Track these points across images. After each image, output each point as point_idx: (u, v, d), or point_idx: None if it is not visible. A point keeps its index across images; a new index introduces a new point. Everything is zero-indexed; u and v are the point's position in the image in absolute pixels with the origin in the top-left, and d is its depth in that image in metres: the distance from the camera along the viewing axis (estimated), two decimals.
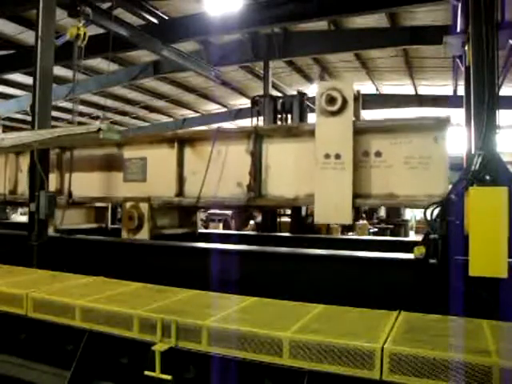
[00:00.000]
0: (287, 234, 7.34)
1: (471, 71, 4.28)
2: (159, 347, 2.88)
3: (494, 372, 2.23)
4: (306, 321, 2.94)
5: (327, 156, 4.97)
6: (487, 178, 3.97)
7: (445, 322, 2.96)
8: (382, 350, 2.43)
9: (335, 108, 4.93)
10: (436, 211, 4.20)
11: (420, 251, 4.26)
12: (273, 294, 3.69)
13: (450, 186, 4.36)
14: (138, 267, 5.33)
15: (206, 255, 5.26)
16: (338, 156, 4.94)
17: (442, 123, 4.84)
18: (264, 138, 5.71)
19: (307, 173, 5.22)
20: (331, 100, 4.95)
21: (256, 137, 5.66)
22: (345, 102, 5.00)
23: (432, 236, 4.13)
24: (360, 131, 5.13)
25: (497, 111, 4.16)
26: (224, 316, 3.03)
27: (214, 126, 21.10)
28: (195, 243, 6.37)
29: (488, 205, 3.87)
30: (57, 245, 6.04)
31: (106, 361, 3.27)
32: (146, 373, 2.86)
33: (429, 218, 4.20)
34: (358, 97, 5.43)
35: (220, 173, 5.84)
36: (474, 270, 3.84)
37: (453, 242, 4.03)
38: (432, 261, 4.09)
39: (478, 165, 4.03)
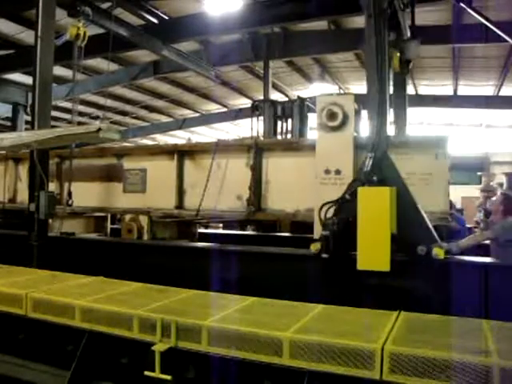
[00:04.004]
0: (287, 234, 7.35)
1: (366, 80, 4.63)
2: (159, 347, 2.88)
3: (494, 372, 2.22)
4: (305, 321, 2.94)
5: (327, 171, 4.96)
6: (374, 178, 4.25)
7: (445, 322, 2.96)
8: (382, 350, 2.43)
9: (336, 123, 4.92)
10: (331, 210, 4.47)
11: (315, 247, 4.50)
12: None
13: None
14: (138, 267, 5.32)
15: (205, 255, 5.27)
16: (338, 172, 4.93)
17: (442, 140, 4.88)
18: (264, 152, 5.72)
19: (308, 187, 5.21)
20: (332, 115, 4.94)
21: (256, 150, 5.67)
22: (346, 117, 4.99)
23: (324, 233, 4.34)
24: (361, 146, 5.14)
25: (387, 117, 4.44)
26: (224, 316, 3.03)
27: (214, 125, 21.22)
28: (195, 243, 6.39)
29: (374, 204, 4.15)
30: (57, 245, 6.04)
31: (106, 361, 3.27)
32: (146, 373, 2.86)
33: (322, 216, 4.46)
34: (358, 111, 5.47)
35: (220, 186, 5.84)
36: (362, 265, 4.14)
37: (346, 238, 4.25)
38: (324, 255, 4.32)
39: (369, 166, 4.32)
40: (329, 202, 4.49)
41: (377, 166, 4.34)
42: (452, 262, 4.23)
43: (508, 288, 3.91)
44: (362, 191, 4.25)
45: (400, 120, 7.06)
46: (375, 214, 4.14)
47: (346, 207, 4.38)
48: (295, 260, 4.88)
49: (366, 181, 4.31)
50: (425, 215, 4.41)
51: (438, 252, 4.16)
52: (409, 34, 6.85)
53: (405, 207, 4.28)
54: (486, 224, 6.54)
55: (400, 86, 7.20)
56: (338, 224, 4.32)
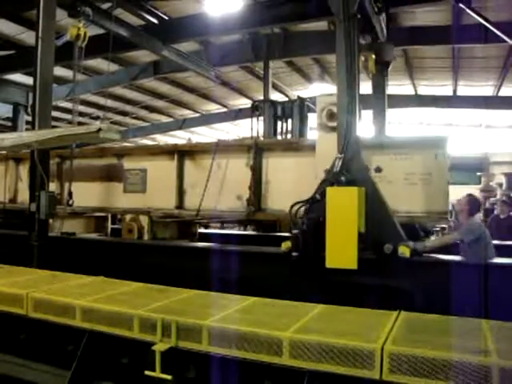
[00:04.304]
0: (287, 234, 7.35)
1: (337, 85, 4.76)
2: (159, 347, 2.88)
3: (494, 372, 2.23)
4: (305, 321, 2.94)
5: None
6: (342, 179, 4.38)
7: (444, 322, 2.97)
8: (382, 350, 2.43)
9: (336, 123, 4.95)
10: (302, 209, 4.58)
11: (286, 245, 4.60)
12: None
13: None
14: (139, 267, 5.33)
15: (205, 255, 5.28)
16: None
17: (442, 140, 4.91)
18: (264, 152, 5.74)
19: (308, 187, 5.23)
20: (332, 115, 4.98)
21: (256, 150, 5.68)
22: None
23: (294, 232, 4.45)
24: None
25: (357, 119, 4.54)
26: (224, 316, 3.04)
27: (214, 126, 21.21)
28: (195, 243, 6.39)
29: (342, 203, 4.26)
30: (57, 245, 6.05)
31: (106, 361, 3.27)
32: (147, 373, 2.86)
33: (293, 215, 4.57)
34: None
35: (220, 186, 5.86)
36: (330, 262, 4.24)
37: (316, 236, 4.34)
38: (294, 254, 4.42)
39: (338, 167, 4.44)
40: (299, 202, 4.59)
41: (346, 167, 4.45)
42: (416, 260, 4.35)
43: (471, 285, 4.02)
44: (330, 191, 4.35)
45: (380, 120, 7.14)
46: (343, 213, 4.24)
47: (316, 207, 4.48)
48: (269, 258, 5.00)
49: (335, 181, 4.41)
50: (392, 215, 4.52)
51: (404, 250, 4.25)
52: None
53: (373, 207, 4.37)
54: (454, 225, 6.66)
55: (379, 87, 7.34)
56: (307, 223, 4.41)
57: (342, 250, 4.22)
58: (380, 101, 7.28)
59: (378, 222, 4.33)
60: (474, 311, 3.46)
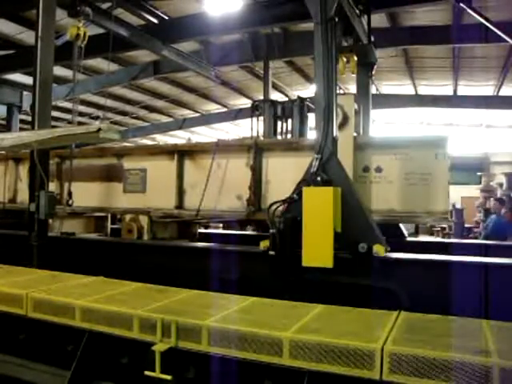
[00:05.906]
0: None
1: (315, 86, 4.78)
2: (159, 347, 2.88)
3: (494, 372, 2.22)
4: (306, 321, 2.94)
5: None
6: (318, 179, 4.44)
7: (445, 322, 2.96)
8: (382, 350, 2.43)
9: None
10: (280, 209, 4.63)
11: (264, 244, 4.65)
12: None
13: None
14: (138, 267, 5.33)
15: (205, 255, 5.27)
16: None
17: (442, 140, 4.90)
18: (264, 152, 5.75)
19: None
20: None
21: (256, 150, 5.68)
22: (345, 117, 5.05)
23: (271, 231, 4.51)
24: (361, 147, 5.16)
25: (333, 121, 4.57)
26: (224, 316, 3.03)
27: (214, 125, 21.22)
28: (195, 243, 6.39)
29: (318, 203, 4.31)
30: (57, 245, 6.04)
31: (106, 361, 3.27)
32: (146, 373, 2.86)
33: (270, 215, 4.62)
34: (358, 111, 5.52)
35: (220, 186, 5.86)
36: (306, 261, 4.30)
37: (293, 236, 4.40)
38: (271, 252, 4.47)
39: (315, 167, 4.50)
40: (277, 202, 4.64)
41: (323, 168, 4.51)
42: (390, 259, 4.37)
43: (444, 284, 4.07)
44: (306, 191, 4.40)
45: (365, 120, 7.18)
46: (319, 212, 4.29)
47: (294, 206, 4.54)
48: (248, 257, 5.00)
49: (312, 181, 4.47)
50: (368, 215, 4.56)
51: (379, 249, 4.30)
52: (372, 39, 7.25)
53: (349, 207, 4.41)
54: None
55: (364, 87, 7.44)
56: (284, 222, 4.47)
57: (318, 248, 4.27)
58: (365, 101, 7.36)
59: (353, 222, 4.39)
60: (449, 309, 3.51)
